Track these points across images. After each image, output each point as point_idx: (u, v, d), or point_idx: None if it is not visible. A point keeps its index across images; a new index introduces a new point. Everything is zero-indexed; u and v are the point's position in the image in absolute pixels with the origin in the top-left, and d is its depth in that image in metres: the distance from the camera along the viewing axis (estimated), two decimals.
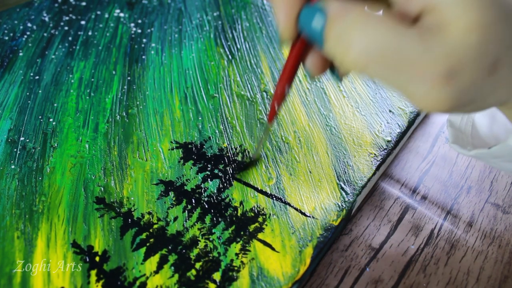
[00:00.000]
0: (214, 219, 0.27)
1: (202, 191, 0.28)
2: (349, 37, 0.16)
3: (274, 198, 0.28)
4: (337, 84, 0.21)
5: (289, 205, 0.28)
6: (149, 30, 0.43)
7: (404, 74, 0.16)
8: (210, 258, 0.25)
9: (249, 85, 0.37)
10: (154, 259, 0.25)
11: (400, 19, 0.16)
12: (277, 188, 0.29)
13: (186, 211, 0.27)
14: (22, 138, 0.31)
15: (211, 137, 0.32)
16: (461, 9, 0.14)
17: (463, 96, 0.16)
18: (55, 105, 0.34)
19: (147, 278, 0.24)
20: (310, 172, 0.30)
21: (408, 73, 0.15)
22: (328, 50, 0.17)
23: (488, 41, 0.14)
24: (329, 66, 0.21)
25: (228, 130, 0.33)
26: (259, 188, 0.28)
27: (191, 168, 0.30)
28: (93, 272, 0.24)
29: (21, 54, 0.39)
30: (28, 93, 0.35)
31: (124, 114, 0.34)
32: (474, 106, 0.17)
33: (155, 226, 0.26)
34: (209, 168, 0.30)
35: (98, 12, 0.45)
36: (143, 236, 0.26)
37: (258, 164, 0.30)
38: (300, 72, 0.38)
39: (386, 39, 0.15)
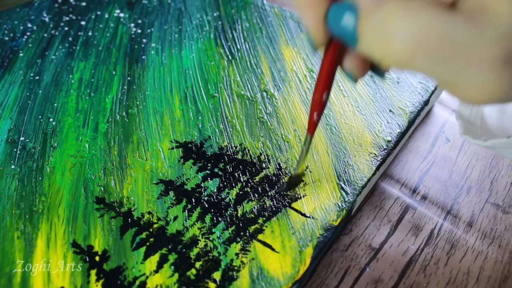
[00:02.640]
0: (214, 218, 0.27)
1: (202, 190, 0.28)
2: (390, 28, 0.14)
3: (275, 200, 0.28)
4: (382, 80, 0.19)
5: (289, 206, 0.28)
6: (149, 30, 0.43)
7: (457, 64, 0.14)
8: (210, 257, 0.25)
9: (249, 85, 0.37)
10: (154, 259, 0.25)
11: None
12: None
13: (186, 210, 0.27)
14: (22, 138, 0.31)
15: (211, 136, 0.32)
16: None
17: None
18: (55, 105, 0.34)
19: (147, 277, 0.24)
20: (310, 172, 0.30)
21: (462, 62, 0.14)
22: (364, 47, 0.16)
23: None
24: (371, 64, 0.19)
25: (228, 129, 0.33)
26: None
27: (191, 167, 0.30)
28: (93, 272, 0.24)
29: (21, 54, 0.39)
30: (28, 93, 0.35)
31: (124, 114, 0.34)
32: None
33: (155, 225, 0.26)
34: (209, 167, 0.30)
35: (98, 13, 0.45)
36: (143, 235, 0.26)
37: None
38: (301, 72, 0.38)
39: (433, 26, 0.14)
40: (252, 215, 0.27)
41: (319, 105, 0.22)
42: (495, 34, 0.14)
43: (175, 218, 0.27)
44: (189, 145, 0.31)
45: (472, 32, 0.14)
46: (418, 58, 0.14)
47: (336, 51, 0.19)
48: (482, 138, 0.25)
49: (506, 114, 0.26)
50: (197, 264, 0.24)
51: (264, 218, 0.27)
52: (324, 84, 0.21)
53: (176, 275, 0.24)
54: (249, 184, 0.29)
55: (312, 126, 0.24)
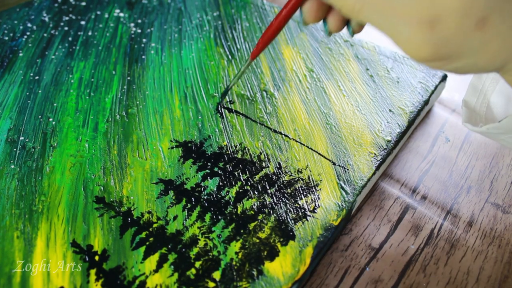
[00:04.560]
0: (214, 217, 0.27)
1: (202, 190, 0.28)
2: None
3: (275, 198, 0.28)
4: (351, 37, 0.25)
5: (290, 206, 0.28)
6: (149, 30, 0.43)
7: (392, 18, 0.18)
8: (210, 257, 0.25)
9: (249, 85, 0.37)
10: (154, 258, 0.25)
11: None
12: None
13: (186, 210, 0.27)
14: (21, 138, 0.31)
15: (211, 136, 0.32)
16: None
17: (445, 45, 0.17)
18: (55, 105, 0.34)
19: (147, 277, 0.24)
20: (310, 171, 0.30)
21: (395, 17, 0.17)
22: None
23: None
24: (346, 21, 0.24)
25: (228, 128, 0.33)
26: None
27: (191, 166, 0.30)
28: (93, 271, 0.24)
29: (21, 54, 0.39)
30: (28, 93, 0.35)
31: (124, 114, 0.34)
32: (465, 62, 0.18)
33: (155, 225, 0.26)
34: (208, 166, 0.30)
35: (98, 12, 0.45)
36: (143, 235, 0.26)
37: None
38: (300, 72, 0.38)
39: None
40: (252, 212, 0.27)
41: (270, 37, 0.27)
42: None
43: (175, 217, 0.27)
44: (189, 145, 0.31)
45: None
46: (365, 9, 0.18)
47: None
48: (479, 125, 0.26)
49: None
50: (197, 264, 0.24)
51: (264, 215, 0.27)
52: (281, 22, 0.26)
53: (176, 274, 0.24)
54: (249, 183, 0.29)
55: (257, 53, 0.29)
